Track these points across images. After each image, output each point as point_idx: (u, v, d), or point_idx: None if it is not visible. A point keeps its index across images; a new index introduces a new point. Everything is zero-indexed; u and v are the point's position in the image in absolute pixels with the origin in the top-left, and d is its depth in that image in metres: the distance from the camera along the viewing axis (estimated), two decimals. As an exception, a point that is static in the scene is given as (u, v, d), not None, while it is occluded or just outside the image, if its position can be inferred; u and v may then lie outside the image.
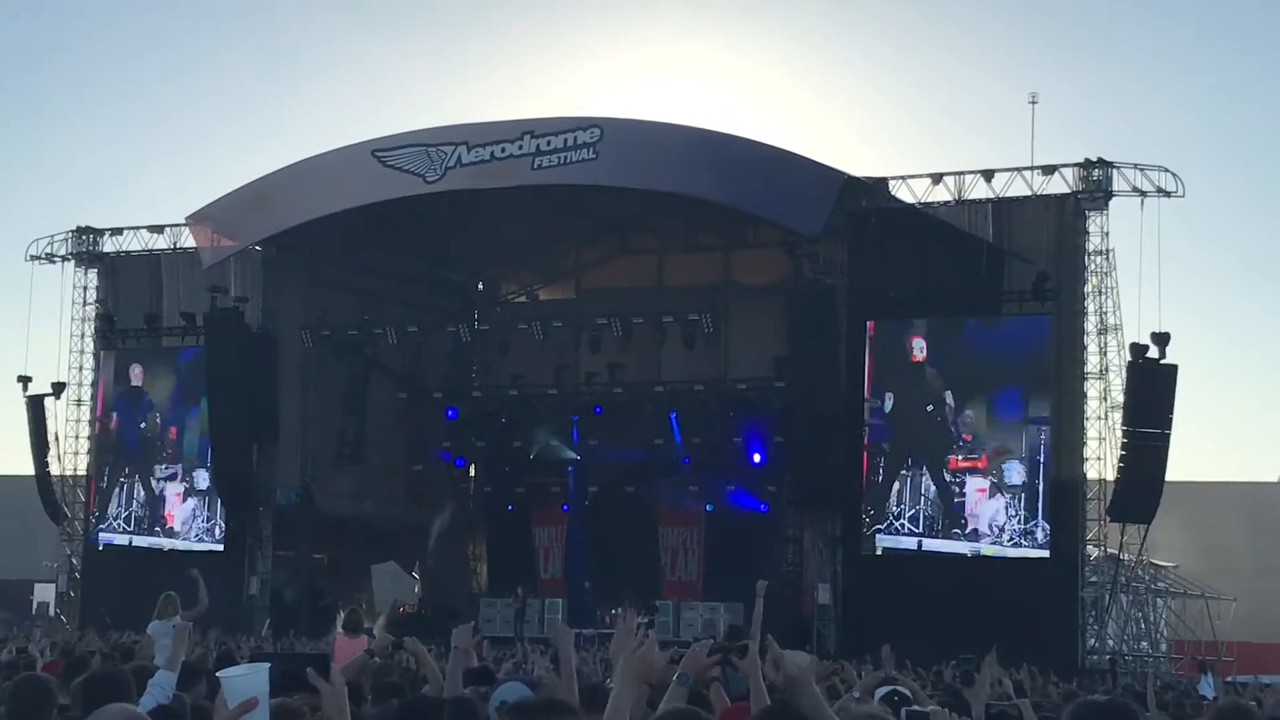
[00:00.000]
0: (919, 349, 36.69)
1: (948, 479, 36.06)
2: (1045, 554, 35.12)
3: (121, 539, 43.36)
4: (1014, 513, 35.43)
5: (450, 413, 46.45)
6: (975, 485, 35.92)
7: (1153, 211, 35.01)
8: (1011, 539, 35.39)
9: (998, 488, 35.64)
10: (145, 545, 42.77)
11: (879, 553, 36.49)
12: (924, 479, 36.27)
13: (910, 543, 36.20)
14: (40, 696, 7.64)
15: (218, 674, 5.63)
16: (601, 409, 43.82)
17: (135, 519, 43.32)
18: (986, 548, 35.56)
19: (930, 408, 36.38)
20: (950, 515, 35.93)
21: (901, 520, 36.34)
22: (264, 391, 41.61)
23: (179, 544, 42.24)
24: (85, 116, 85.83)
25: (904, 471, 36.45)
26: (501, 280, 48.97)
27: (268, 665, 5.51)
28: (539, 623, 40.87)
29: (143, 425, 43.53)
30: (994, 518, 35.58)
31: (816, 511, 38.60)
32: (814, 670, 5.48)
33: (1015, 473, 35.59)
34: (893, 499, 36.43)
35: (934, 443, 36.34)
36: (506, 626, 40.43)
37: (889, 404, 36.75)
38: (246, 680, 5.44)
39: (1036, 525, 35.20)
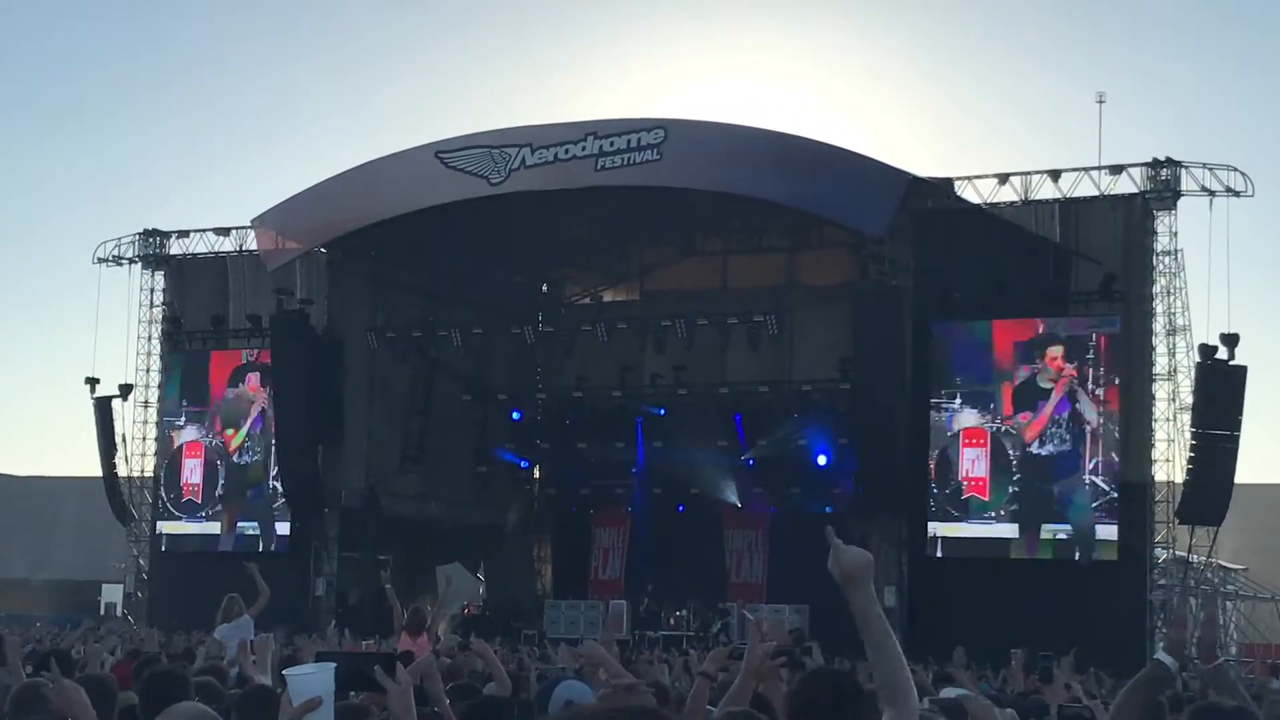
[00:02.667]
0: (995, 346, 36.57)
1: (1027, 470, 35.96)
2: (1114, 555, 34.89)
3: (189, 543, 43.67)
4: (1092, 502, 35.31)
5: (515, 414, 46.49)
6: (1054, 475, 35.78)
7: (1222, 211, 34.76)
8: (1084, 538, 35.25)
9: (1076, 479, 35.46)
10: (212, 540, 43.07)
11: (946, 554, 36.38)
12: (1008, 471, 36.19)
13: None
14: (101, 696, 7.66)
15: (283, 672, 5.61)
16: (666, 411, 43.75)
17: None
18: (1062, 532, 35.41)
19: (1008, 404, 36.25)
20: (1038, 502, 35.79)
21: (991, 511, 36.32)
22: (329, 393, 41.70)
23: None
24: (152, 120, 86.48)
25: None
26: (565, 282, 48.99)
27: (333, 665, 5.48)
28: (601, 624, 40.82)
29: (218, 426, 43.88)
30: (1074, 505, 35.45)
31: (882, 514, 38.39)
32: (872, 568, 5.28)
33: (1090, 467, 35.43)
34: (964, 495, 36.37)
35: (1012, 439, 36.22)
36: (571, 628, 40.37)
37: (960, 402, 36.63)
38: (312, 679, 5.41)
39: (1114, 520, 35.04)
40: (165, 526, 44.13)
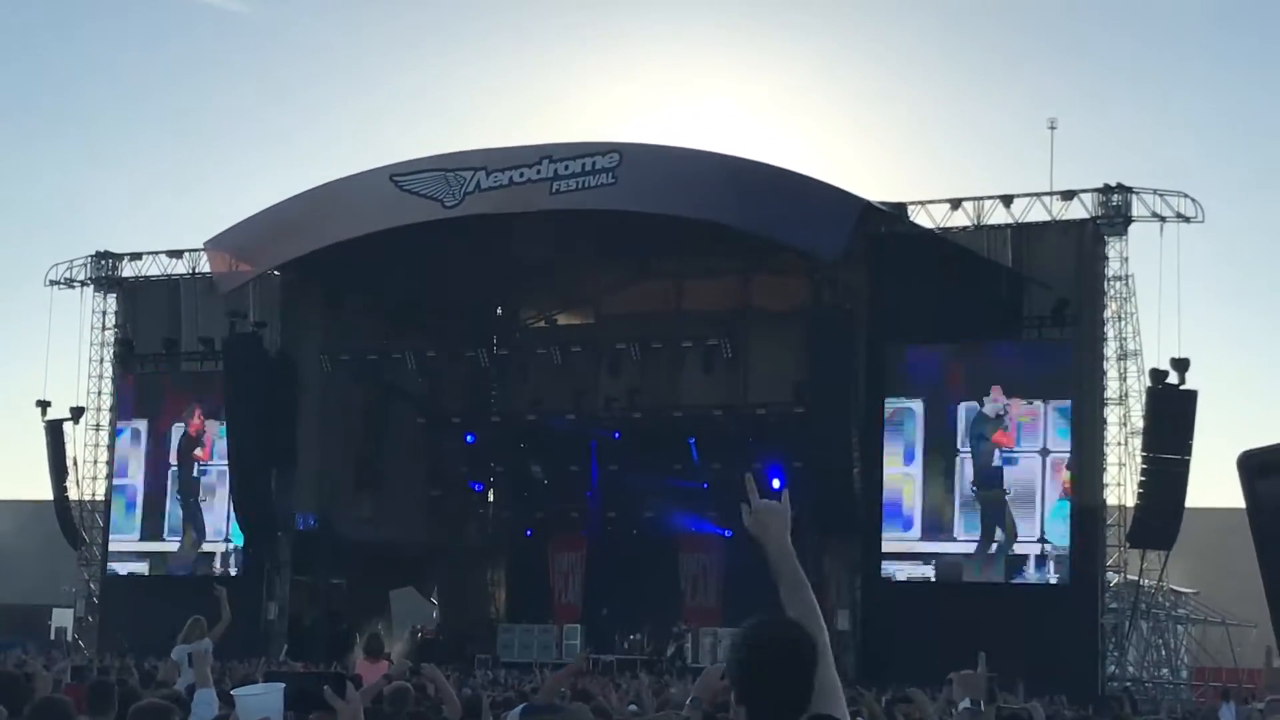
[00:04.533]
0: (948, 369, 36.69)
1: (975, 493, 36.03)
2: (1066, 579, 35.03)
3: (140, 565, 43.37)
4: (1034, 531, 35.40)
5: (469, 438, 46.44)
6: (1003, 501, 35.88)
7: (1172, 237, 35.04)
8: (1038, 563, 35.34)
9: (1019, 503, 35.57)
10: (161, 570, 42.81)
11: (898, 579, 36.42)
12: (954, 495, 36.24)
13: (943, 564, 36.15)
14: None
15: (232, 692, 5.60)
16: (620, 434, 43.77)
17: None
18: (1008, 566, 35.52)
19: (960, 427, 36.36)
20: (986, 531, 35.86)
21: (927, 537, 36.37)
22: (282, 416, 41.56)
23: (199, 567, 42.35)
24: (105, 142, 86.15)
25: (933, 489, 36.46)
26: (520, 305, 48.97)
27: (283, 685, 5.47)
28: (556, 648, 40.81)
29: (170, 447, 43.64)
30: (1021, 533, 35.55)
31: (836, 537, 38.45)
32: (787, 519, 5.15)
33: (1037, 490, 35.55)
34: (920, 517, 36.42)
35: (961, 460, 36.31)
36: (525, 652, 40.34)
37: (917, 424, 36.71)
38: (261, 700, 5.41)
39: (1062, 553, 35.14)
40: (115, 546, 43.82)
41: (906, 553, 36.70)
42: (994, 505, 35.98)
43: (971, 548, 36.14)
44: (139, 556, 43.58)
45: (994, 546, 35.88)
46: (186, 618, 18.31)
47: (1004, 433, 36.07)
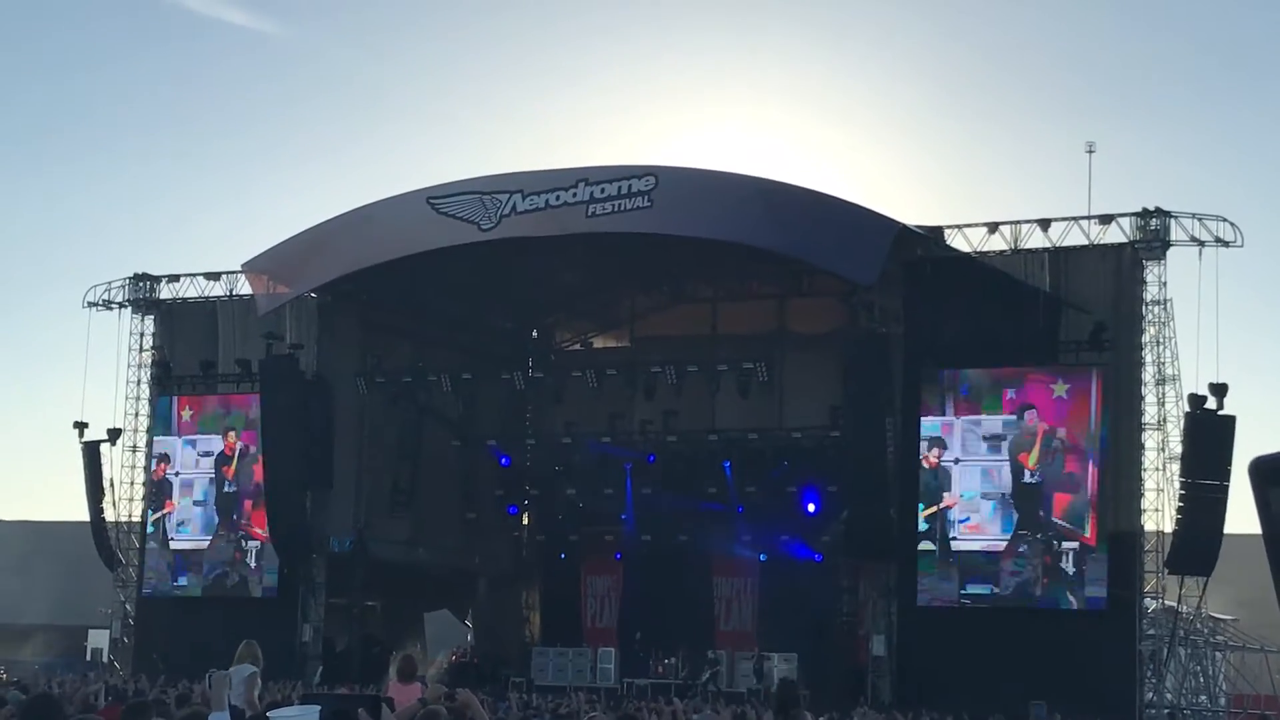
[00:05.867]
0: (983, 397, 36.54)
1: (1014, 520, 35.86)
2: (1103, 605, 34.83)
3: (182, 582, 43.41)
4: (1074, 559, 35.15)
5: (504, 460, 46.44)
6: (1037, 529, 35.68)
7: (1211, 261, 34.86)
8: (1073, 587, 35.12)
9: (1059, 532, 35.38)
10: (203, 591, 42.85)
11: (934, 604, 36.24)
12: (989, 522, 36.07)
13: (980, 589, 35.96)
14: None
15: (269, 713, 5.58)
16: (655, 457, 43.71)
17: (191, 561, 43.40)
18: (1045, 592, 35.32)
19: (993, 453, 36.20)
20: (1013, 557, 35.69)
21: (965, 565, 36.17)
22: (318, 438, 41.58)
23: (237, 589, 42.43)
24: (143, 164, 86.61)
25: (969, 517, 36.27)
26: (556, 328, 49.00)
27: (318, 707, 5.46)
28: (590, 672, 40.75)
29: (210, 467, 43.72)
30: (1057, 562, 35.32)
31: (871, 562, 38.33)
32: None
33: (1075, 519, 35.35)
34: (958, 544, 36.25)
35: (998, 489, 36.13)
36: (559, 676, 40.30)
37: (955, 449, 36.56)
38: (296, 722, 5.39)
39: (1101, 575, 34.93)
40: (152, 569, 43.88)
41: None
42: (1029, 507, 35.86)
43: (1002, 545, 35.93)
44: (174, 581, 43.50)
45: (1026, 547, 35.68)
46: (221, 640, 18.36)
47: (1026, 454, 35.93)
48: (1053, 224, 36.32)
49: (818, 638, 40.56)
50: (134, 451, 44.86)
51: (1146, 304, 35.62)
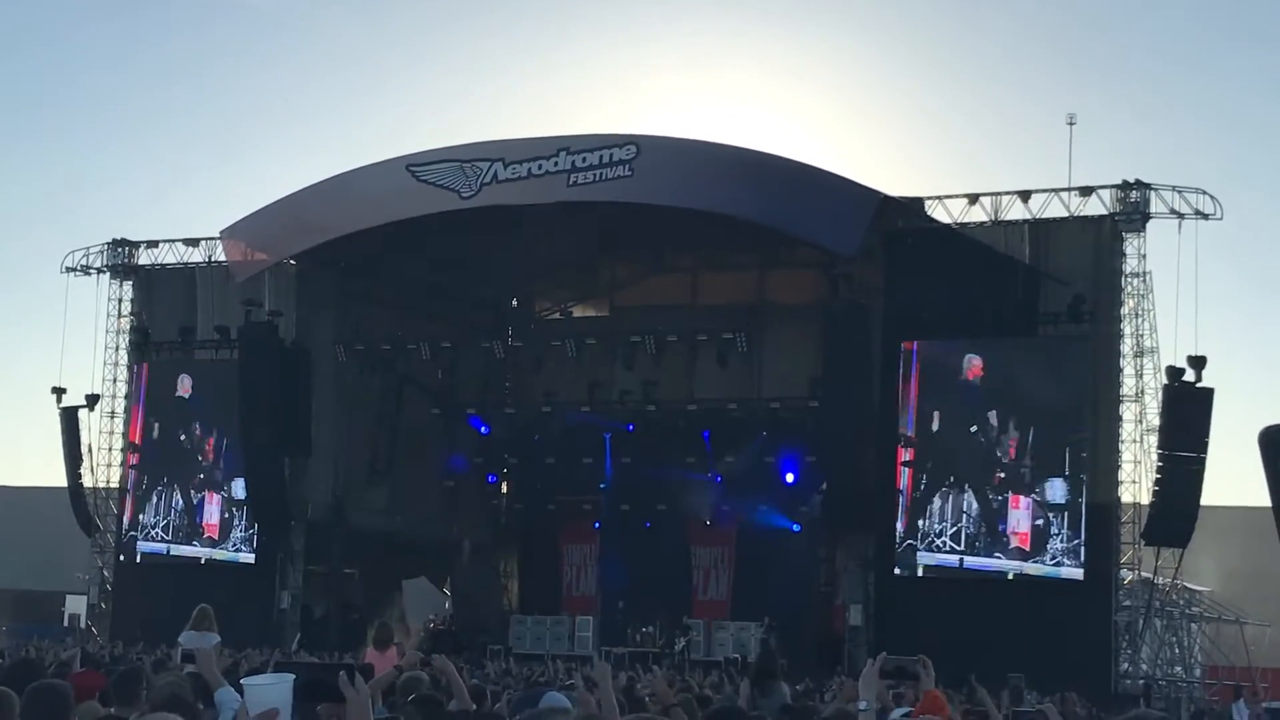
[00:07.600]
0: (968, 366, 36.48)
1: (990, 496, 35.86)
2: (1080, 575, 34.92)
3: (159, 547, 43.27)
4: (1056, 531, 35.21)
5: (483, 429, 46.40)
6: (1017, 503, 35.70)
7: (1190, 234, 34.91)
8: (1054, 558, 35.17)
9: (1040, 506, 35.41)
10: (183, 555, 42.73)
11: (920, 572, 36.27)
12: (966, 497, 36.05)
13: (952, 560, 35.99)
14: (58, 703, 7.62)
15: (241, 680, 5.57)
16: (634, 427, 43.72)
17: (173, 528, 43.25)
18: (1029, 566, 35.33)
19: (974, 427, 36.20)
20: (993, 533, 35.70)
21: (943, 538, 36.13)
22: (297, 406, 41.52)
23: (217, 553, 42.31)
24: (121, 130, 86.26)
25: (945, 489, 36.25)
26: (535, 297, 48.90)
27: (293, 676, 5.44)
28: (569, 640, 40.81)
29: (183, 436, 43.51)
30: (1036, 536, 35.37)
31: (849, 532, 38.40)
32: None
33: (1057, 492, 35.39)
34: (934, 517, 36.21)
35: (977, 461, 36.14)
36: (537, 644, 40.36)
37: (936, 423, 36.56)
38: (270, 690, 5.37)
39: (1080, 545, 34.99)
40: (130, 534, 43.77)
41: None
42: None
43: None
44: (158, 540, 43.38)
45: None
46: (204, 604, 18.33)
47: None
48: (1033, 196, 36.30)
49: (795, 607, 40.66)
50: (112, 417, 44.78)
51: (1126, 276, 35.66)
